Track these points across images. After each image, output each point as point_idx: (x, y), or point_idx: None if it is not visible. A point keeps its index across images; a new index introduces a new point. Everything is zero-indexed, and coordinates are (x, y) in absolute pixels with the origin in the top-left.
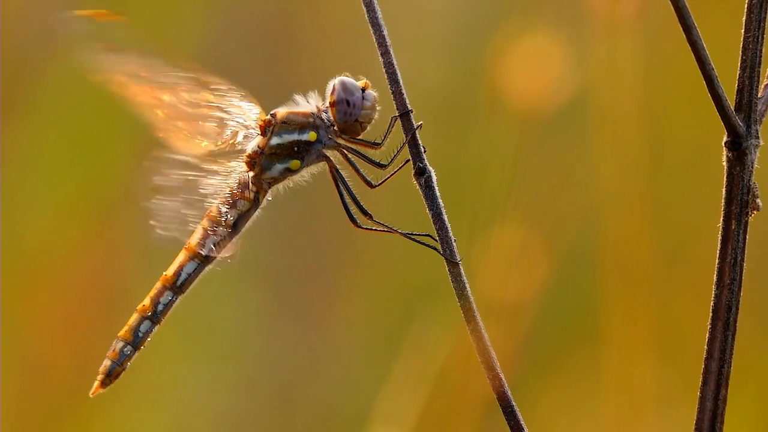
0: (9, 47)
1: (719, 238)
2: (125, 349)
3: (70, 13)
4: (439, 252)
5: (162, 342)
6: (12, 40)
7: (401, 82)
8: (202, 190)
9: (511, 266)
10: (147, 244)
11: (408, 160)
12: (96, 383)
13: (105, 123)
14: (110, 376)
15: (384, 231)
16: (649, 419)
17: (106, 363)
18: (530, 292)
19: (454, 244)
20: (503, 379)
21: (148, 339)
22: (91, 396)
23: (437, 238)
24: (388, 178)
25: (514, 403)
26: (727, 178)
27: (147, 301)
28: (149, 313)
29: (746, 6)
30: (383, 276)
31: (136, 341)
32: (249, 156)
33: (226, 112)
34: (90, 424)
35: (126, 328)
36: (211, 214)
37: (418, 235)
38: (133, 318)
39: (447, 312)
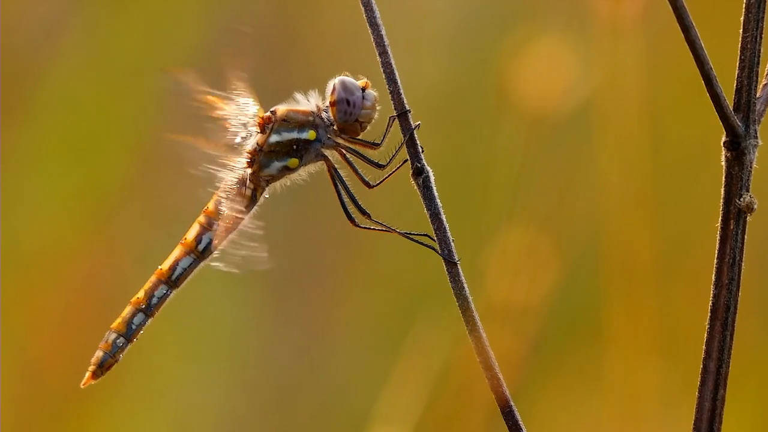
0: (9, 47)
1: (717, 237)
2: (118, 340)
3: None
4: (437, 252)
5: (161, 342)
6: (12, 40)
7: (399, 81)
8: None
9: (518, 269)
10: (146, 245)
11: (406, 160)
12: (87, 374)
13: (105, 124)
14: (102, 368)
15: (382, 230)
16: (652, 419)
17: (98, 354)
18: (537, 295)
19: (452, 243)
20: (501, 379)
21: (141, 332)
22: (82, 387)
23: (435, 238)
24: (386, 178)
25: (512, 404)
26: (725, 178)
27: (141, 294)
28: (143, 306)
29: (744, 6)
30: (383, 276)
31: (128, 333)
32: (248, 153)
33: (232, 112)
34: (90, 424)
35: (119, 320)
36: (209, 209)
37: (416, 234)
38: (127, 310)
39: (448, 312)
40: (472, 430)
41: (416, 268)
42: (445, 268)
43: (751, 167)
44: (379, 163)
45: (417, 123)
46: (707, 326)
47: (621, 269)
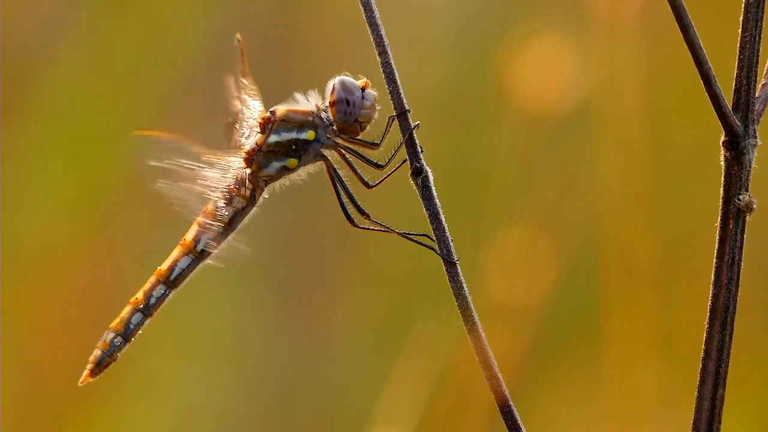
0: (9, 47)
1: (717, 237)
2: (116, 340)
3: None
4: (436, 252)
5: (161, 342)
6: (12, 41)
7: (399, 81)
8: (200, 182)
9: (518, 268)
10: (146, 245)
11: (405, 160)
12: (85, 372)
13: (105, 123)
14: (100, 366)
15: (381, 230)
16: (652, 419)
17: (96, 353)
18: (536, 294)
19: (451, 243)
20: (501, 378)
21: (139, 331)
22: (80, 385)
23: (434, 238)
24: (385, 178)
25: (511, 403)
26: (724, 177)
27: (140, 295)
28: (141, 306)
29: (743, 5)
30: (383, 276)
31: (126, 333)
32: (247, 153)
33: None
34: (90, 424)
35: (118, 320)
36: (207, 209)
37: (415, 234)
38: (126, 310)
39: (448, 312)
40: (472, 430)
41: (416, 268)
42: (444, 268)
43: (750, 167)
44: (378, 163)
45: (416, 123)
46: (706, 326)
47: (620, 269)
